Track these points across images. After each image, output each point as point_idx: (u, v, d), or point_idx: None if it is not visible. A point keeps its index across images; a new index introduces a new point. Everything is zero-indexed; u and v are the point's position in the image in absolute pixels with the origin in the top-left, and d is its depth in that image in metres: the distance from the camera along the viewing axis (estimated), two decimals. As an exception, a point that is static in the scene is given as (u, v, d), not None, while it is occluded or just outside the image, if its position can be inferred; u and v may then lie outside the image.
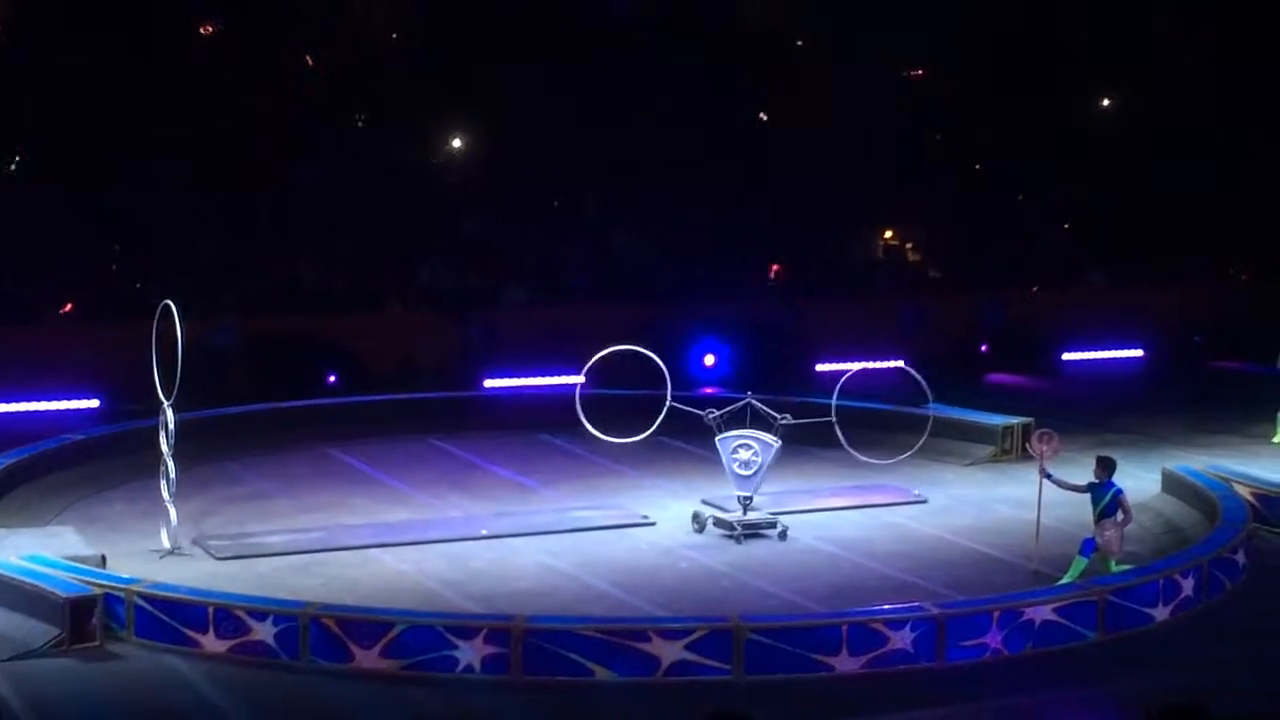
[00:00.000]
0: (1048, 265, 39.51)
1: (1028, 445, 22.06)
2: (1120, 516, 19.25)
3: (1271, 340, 27.86)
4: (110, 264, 33.97)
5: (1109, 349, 36.84)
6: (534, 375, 31.47)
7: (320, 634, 16.58)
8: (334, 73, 36.92)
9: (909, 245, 42.00)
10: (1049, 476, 19.81)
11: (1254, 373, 31.66)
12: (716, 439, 21.40)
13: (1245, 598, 19.38)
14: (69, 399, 28.58)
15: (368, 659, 16.48)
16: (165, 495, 20.34)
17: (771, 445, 21.29)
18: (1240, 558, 19.96)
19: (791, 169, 37.89)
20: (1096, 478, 19.42)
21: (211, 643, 16.86)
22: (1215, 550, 19.48)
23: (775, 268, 38.76)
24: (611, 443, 21.88)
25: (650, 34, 38.73)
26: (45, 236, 32.27)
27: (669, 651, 16.34)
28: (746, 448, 21.24)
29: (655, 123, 36.97)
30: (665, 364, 21.55)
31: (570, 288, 35.64)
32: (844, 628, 16.75)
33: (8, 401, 28.24)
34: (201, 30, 37.82)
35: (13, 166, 34.99)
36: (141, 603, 17.14)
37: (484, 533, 21.48)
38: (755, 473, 21.27)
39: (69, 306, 31.89)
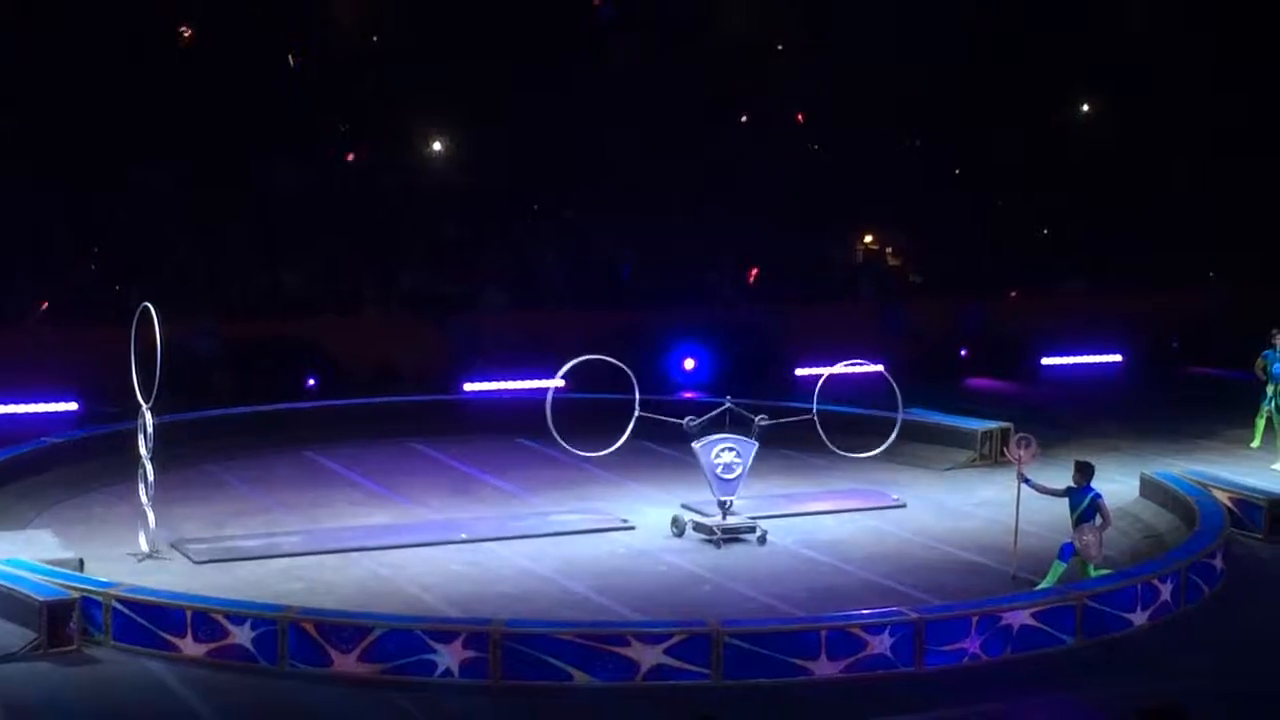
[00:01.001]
0: (1027, 270, 39.58)
1: (1006, 450, 22.09)
2: (1098, 521, 19.29)
3: (1249, 345, 27.93)
4: (89, 266, 33.85)
5: (1087, 354, 36.94)
6: (513, 379, 31.49)
7: (299, 638, 16.55)
8: (314, 75, 36.84)
9: (889, 250, 42.05)
10: (1027, 481, 19.85)
11: (1232, 378, 31.74)
12: (695, 445, 21.39)
13: (1223, 603, 19.42)
14: (47, 402, 28.50)
15: (346, 663, 16.44)
16: (143, 498, 20.28)
17: (751, 446, 21.34)
18: (1218, 563, 20.01)
19: (770, 172, 37.93)
20: (1075, 482, 19.45)
21: (190, 647, 16.81)
22: (1193, 555, 19.51)
23: (754, 272, 38.77)
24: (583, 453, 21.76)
25: (630, 37, 38.76)
26: (23, 238, 32.17)
27: (648, 656, 16.34)
28: (730, 450, 21.25)
29: (635, 126, 36.98)
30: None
31: (549, 292, 35.61)
32: (823, 632, 16.75)
33: (-15, 403, 28.20)
34: (181, 32, 37.76)
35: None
36: (119, 606, 17.09)
37: (463, 536, 21.47)
38: (738, 476, 21.29)
39: (44, 306, 31.77)
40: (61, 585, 17.42)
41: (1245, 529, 22.13)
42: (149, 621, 16.99)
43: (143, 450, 20.28)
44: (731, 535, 21.28)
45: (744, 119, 41.04)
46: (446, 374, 31.42)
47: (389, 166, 37.76)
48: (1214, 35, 40.06)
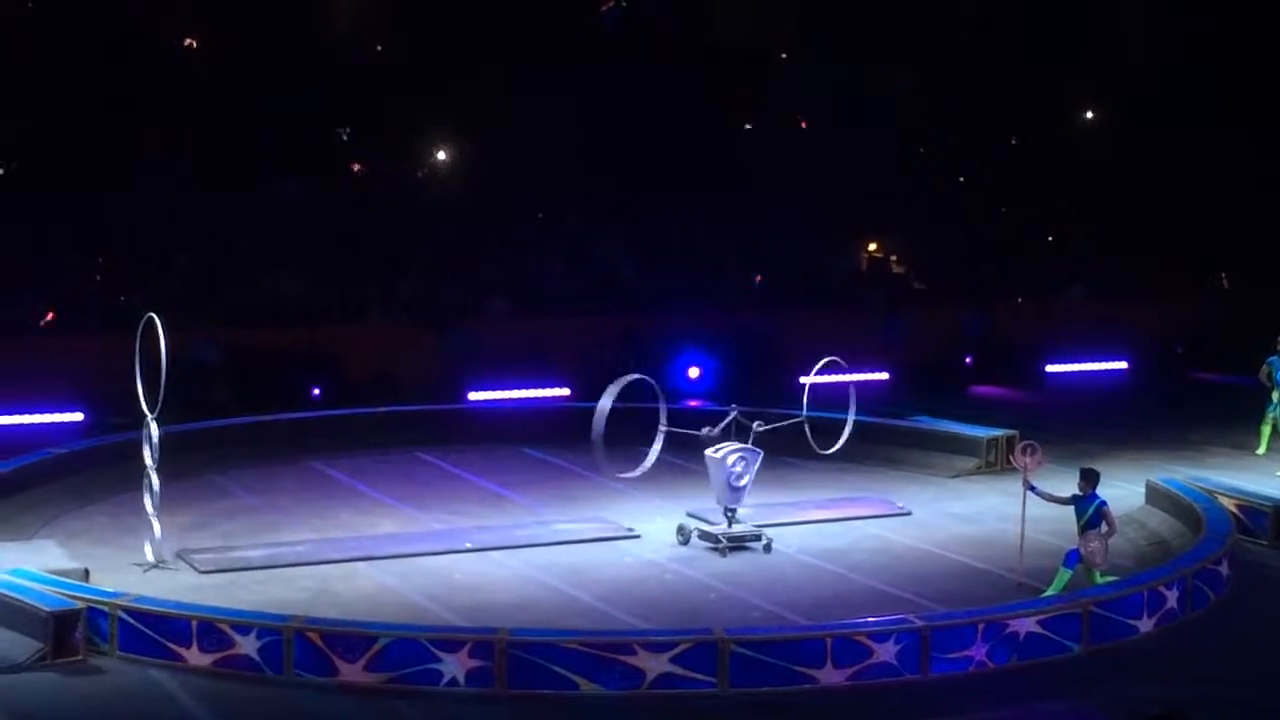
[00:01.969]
0: (1031, 277, 39.58)
1: (1011, 458, 22.06)
2: (1104, 528, 19.26)
3: (1254, 351, 27.92)
4: (94, 276, 33.88)
5: (1092, 361, 36.92)
6: (517, 388, 31.49)
7: (304, 647, 16.55)
8: (317, 85, 36.90)
9: (893, 257, 42.07)
10: (1033, 489, 19.84)
11: (1237, 384, 31.71)
12: (707, 454, 21.36)
13: (1229, 610, 19.41)
14: (53, 412, 28.49)
15: (352, 672, 16.44)
16: (149, 509, 20.28)
17: (758, 454, 21.34)
18: (1224, 569, 19.99)
19: (774, 180, 37.96)
20: (1080, 489, 19.43)
21: (195, 656, 16.81)
22: (1199, 562, 19.51)
23: (759, 278, 38.78)
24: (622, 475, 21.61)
25: (633, 45, 38.81)
26: (28, 248, 32.19)
27: (653, 664, 16.33)
28: (741, 460, 21.24)
29: (639, 133, 37.01)
30: (650, 376, 21.38)
31: (552, 299, 35.62)
32: (828, 640, 16.74)
33: (-9, 414, 28.20)
34: (186, 43, 37.85)
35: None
36: (125, 616, 17.09)
37: (468, 546, 21.46)
38: (745, 485, 21.29)
39: (50, 316, 31.79)
40: (67, 595, 17.41)
41: (1251, 535, 22.15)
42: (154, 631, 16.99)
43: (148, 460, 20.29)
44: (737, 543, 21.28)
45: (748, 126, 41.11)
46: (450, 383, 31.40)
47: (392, 175, 37.81)
48: (1214, 30, 40.11)
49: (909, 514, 23.61)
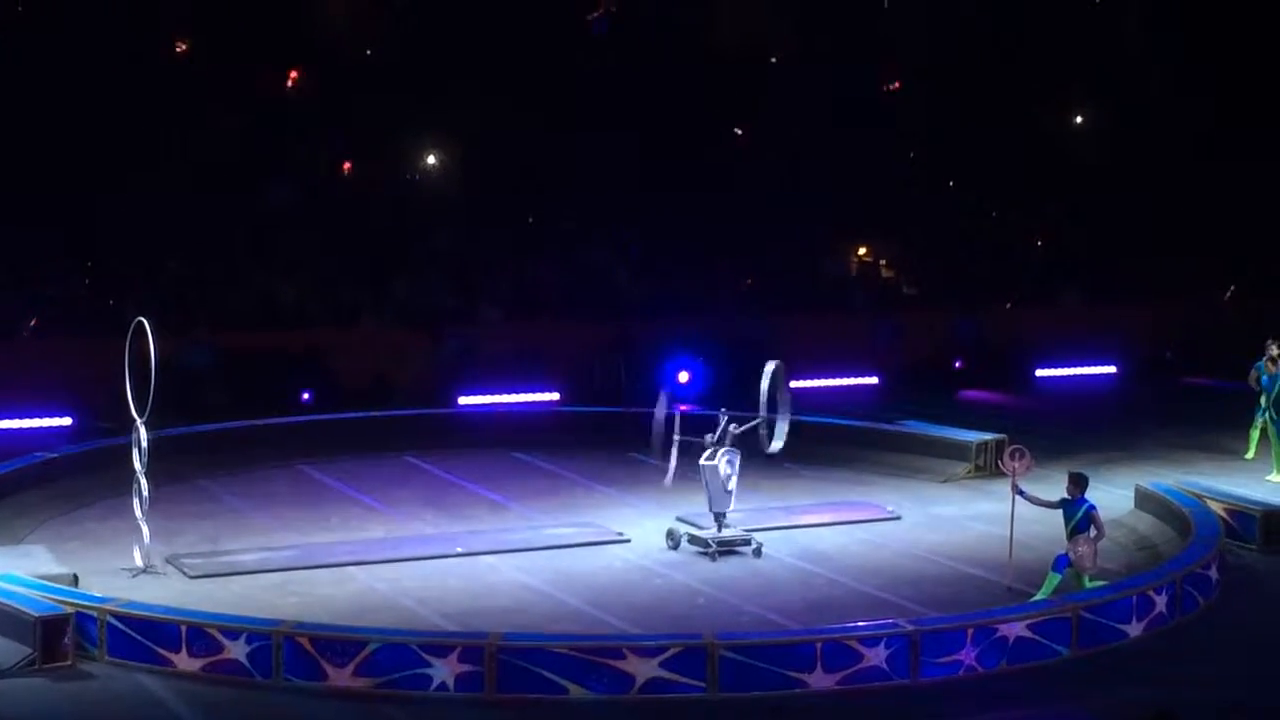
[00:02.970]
0: (1021, 281, 39.59)
1: (1000, 462, 22.09)
2: (1093, 532, 19.30)
3: (1244, 356, 27.93)
4: (83, 280, 33.82)
5: (1082, 365, 36.93)
6: (509, 392, 31.47)
7: (294, 652, 16.54)
8: (309, 89, 36.87)
9: (883, 261, 42.06)
10: (1022, 493, 19.87)
11: (1226, 389, 31.74)
12: (702, 462, 21.37)
13: (1218, 614, 19.43)
14: (41, 416, 28.44)
15: (341, 677, 16.43)
16: (138, 513, 20.26)
17: (737, 455, 21.38)
18: (1213, 574, 20.01)
19: (765, 184, 37.95)
20: (1069, 494, 19.46)
21: (184, 662, 16.80)
22: (1188, 566, 19.53)
23: (749, 281, 38.76)
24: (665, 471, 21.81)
25: (624, 50, 38.80)
26: (16, 251, 32.14)
27: (643, 669, 16.33)
28: (729, 463, 21.26)
29: (631, 138, 36.99)
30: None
31: (545, 304, 35.60)
32: (818, 645, 16.75)
33: (-21, 418, 28.15)
34: (177, 46, 37.80)
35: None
36: (114, 621, 17.07)
37: (458, 550, 21.45)
38: (733, 488, 21.32)
39: (34, 322, 31.72)
40: (56, 600, 17.39)
41: (1240, 540, 22.15)
42: (144, 636, 16.97)
43: (137, 465, 20.26)
44: (727, 548, 21.28)
45: (738, 131, 41.12)
46: (442, 387, 31.38)
47: (384, 179, 37.76)
48: (1209, 42, 40.15)
49: (899, 518, 23.62)
